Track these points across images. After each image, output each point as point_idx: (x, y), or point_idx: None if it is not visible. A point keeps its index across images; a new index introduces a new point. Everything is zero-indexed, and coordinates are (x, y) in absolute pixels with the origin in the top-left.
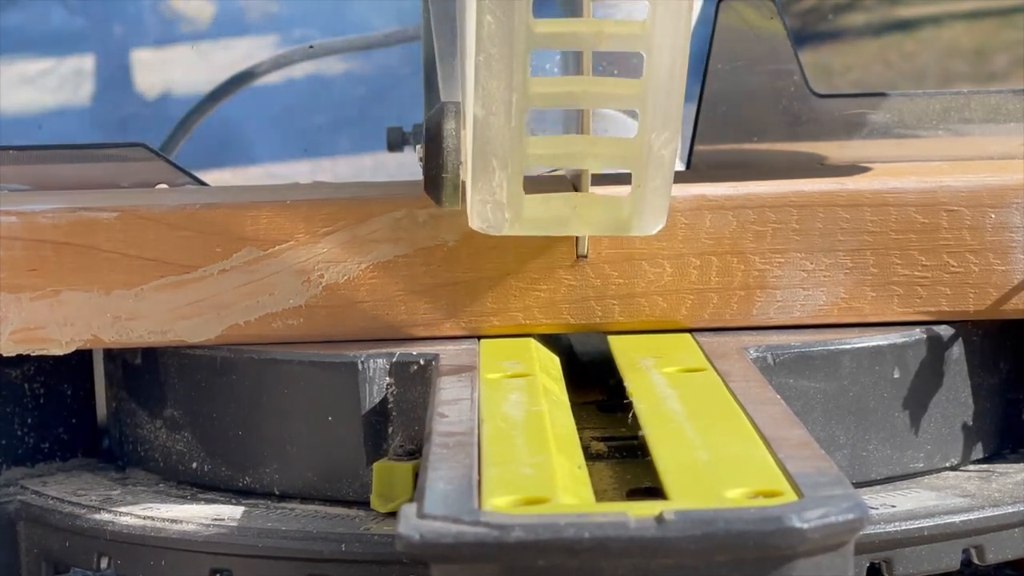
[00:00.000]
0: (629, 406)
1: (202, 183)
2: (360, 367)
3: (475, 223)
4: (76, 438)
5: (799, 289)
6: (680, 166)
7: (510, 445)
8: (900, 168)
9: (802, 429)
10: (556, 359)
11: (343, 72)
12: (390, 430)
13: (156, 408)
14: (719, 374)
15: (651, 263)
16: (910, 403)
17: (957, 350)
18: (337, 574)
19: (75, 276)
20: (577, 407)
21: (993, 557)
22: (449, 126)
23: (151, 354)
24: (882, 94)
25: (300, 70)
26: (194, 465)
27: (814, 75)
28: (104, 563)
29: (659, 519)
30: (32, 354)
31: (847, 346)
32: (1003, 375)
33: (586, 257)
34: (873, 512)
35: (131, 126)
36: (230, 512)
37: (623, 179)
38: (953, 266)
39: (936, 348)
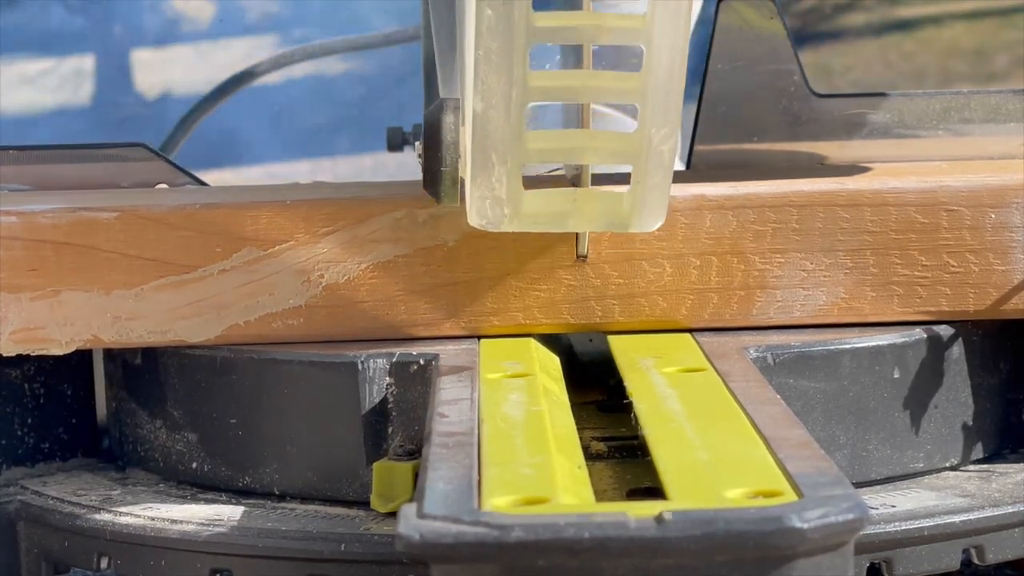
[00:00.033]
0: (629, 406)
1: (202, 183)
2: (360, 367)
3: (474, 219)
4: (76, 438)
5: (799, 289)
6: (680, 166)
7: (510, 445)
8: (900, 168)
9: (802, 429)
10: (556, 359)
11: (343, 72)
12: (390, 430)
13: (156, 408)
14: (719, 374)
15: (651, 263)
16: (910, 403)
17: (957, 350)
18: (337, 574)
19: (75, 276)
20: (577, 407)
21: (993, 557)
22: (448, 120)
23: (151, 354)
24: (882, 94)
25: (300, 70)
26: (194, 465)
27: (814, 75)
28: (104, 563)
29: (659, 519)
30: (32, 354)
31: (847, 346)
32: (1003, 375)
33: (586, 257)
34: (873, 512)
35: (131, 126)
36: (230, 512)
37: (623, 180)
38: (953, 266)
39: (936, 348)
